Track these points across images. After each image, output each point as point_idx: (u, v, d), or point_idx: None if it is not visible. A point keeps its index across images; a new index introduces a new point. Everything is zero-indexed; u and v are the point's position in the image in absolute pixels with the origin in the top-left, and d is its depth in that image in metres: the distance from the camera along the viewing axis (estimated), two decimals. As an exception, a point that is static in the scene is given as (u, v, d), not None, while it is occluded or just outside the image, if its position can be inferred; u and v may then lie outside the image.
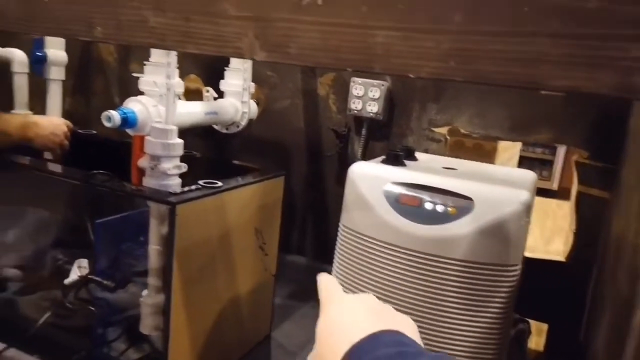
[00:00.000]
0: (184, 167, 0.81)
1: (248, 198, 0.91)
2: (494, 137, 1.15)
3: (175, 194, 0.76)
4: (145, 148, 0.79)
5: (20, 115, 1.08)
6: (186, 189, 0.78)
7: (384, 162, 0.88)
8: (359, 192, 0.81)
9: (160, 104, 0.91)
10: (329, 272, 0.84)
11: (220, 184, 0.83)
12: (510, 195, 0.71)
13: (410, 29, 0.42)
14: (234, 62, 1.17)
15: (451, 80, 0.37)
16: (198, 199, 0.77)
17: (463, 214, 0.73)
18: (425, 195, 0.76)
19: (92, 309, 0.79)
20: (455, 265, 0.72)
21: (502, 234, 0.70)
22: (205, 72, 1.43)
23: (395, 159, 0.87)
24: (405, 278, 0.77)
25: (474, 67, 0.34)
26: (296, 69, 1.31)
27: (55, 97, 1.25)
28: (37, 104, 1.31)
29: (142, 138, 0.81)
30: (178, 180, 0.82)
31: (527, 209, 0.71)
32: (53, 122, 1.08)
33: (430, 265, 0.74)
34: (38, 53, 1.19)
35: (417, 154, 0.98)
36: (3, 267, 1.19)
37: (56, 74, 1.23)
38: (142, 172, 0.82)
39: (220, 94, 1.18)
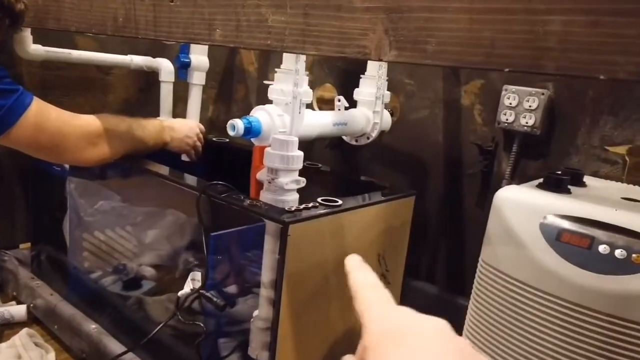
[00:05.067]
0: (303, 182, 0.74)
1: (371, 219, 0.80)
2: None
3: (289, 211, 0.69)
4: (264, 160, 0.74)
5: (157, 119, 1.12)
6: (302, 206, 0.71)
7: (541, 186, 0.72)
8: (507, 223, 0.67)
9: (287, 113, 0.87)
10: (464, 309, 0.70)
11: (340, 202, 0.74)
12: None
13: (604, 10, 0.29)
14: (370, 68, 1.09)
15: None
16: (314, 219, 0.69)
17: (655, 265, 0.54)
18: (598, 234, 0.59)
19: (202, 325, 0.75)
20: (642, 334, 0.54)
21: None
22: (341, 80, 1.37)
23: (557, 183, 0.70)
24: (565, 339, 0.60)
25: None
26: (438, 75, 1.17)
27: (195, 101, 1.29)
28: (180, 108, 1.36)
29: (262, 149, 0.75)
30: (295, 196, 0.75)
31: None
32: (187, 125, 1.10)
33: (603, 329, 0.57)
34: (183, 59, 1.24)
35: (586, 179, 0.79)
36: (142, 265, 1.26)
37: (197, 79, 1.27)
38: (260, 185, 0.76)
39: (354, 103, 1.10)
